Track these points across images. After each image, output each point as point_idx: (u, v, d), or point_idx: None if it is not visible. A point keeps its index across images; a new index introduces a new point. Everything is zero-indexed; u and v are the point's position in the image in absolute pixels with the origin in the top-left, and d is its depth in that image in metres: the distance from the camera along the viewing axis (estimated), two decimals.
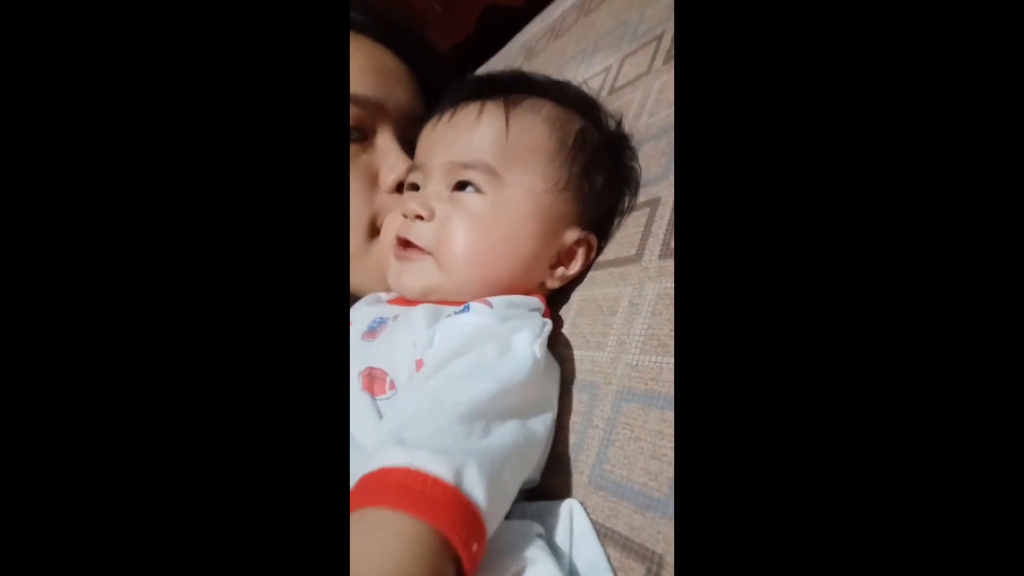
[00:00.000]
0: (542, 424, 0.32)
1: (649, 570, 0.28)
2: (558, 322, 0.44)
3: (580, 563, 0.29)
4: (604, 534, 0.31)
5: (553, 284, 0.43)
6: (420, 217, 0.41)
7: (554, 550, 0.30)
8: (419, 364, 0.33)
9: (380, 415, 0.33)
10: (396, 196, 0.51)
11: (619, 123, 0.49)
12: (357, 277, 0.50)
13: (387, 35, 0.56)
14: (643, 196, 0.44)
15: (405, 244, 0.42)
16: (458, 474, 0.24)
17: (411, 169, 0.46)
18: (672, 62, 0.52)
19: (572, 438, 0.36)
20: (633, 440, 0.32)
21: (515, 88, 0.45)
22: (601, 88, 0.58)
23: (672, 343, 0.34)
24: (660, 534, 0.28)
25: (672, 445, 0.30)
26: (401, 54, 0.57)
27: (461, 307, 0.36)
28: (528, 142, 0.41)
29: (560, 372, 0.39)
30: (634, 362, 0.35)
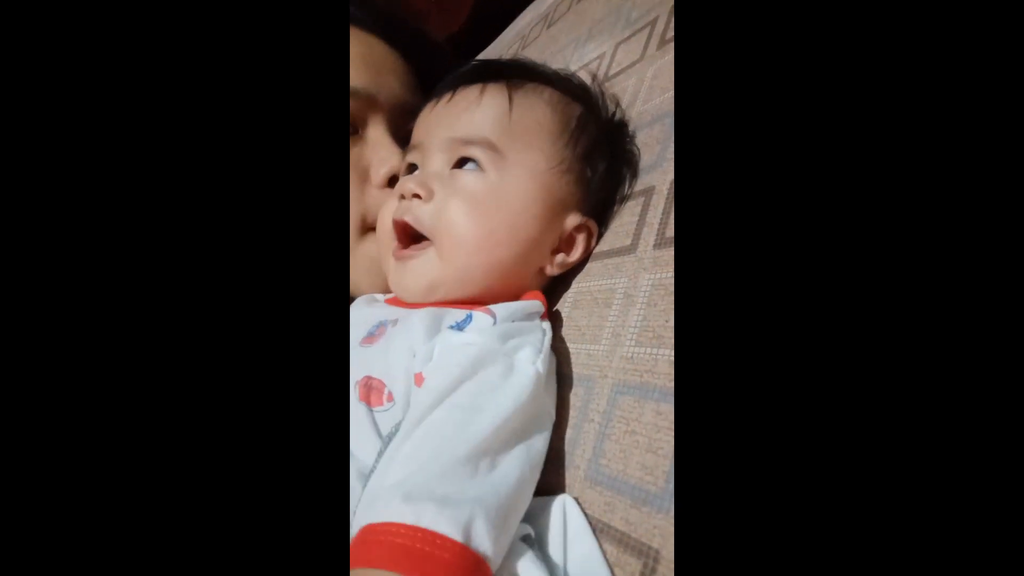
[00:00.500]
0: (543, 440, 0.32)
1: (646, 565, 0.27)
2: (556, 317, 0.43)
3: (574, 560, 0.29)
4: (600, 529, 0.30)
5: (553, 271, 0.42)
6: (418, 197, 0.40)
7: (545, 549, 0.30)
8: (418, 378, 0.32)
9: (377, 428, 0.32)
10: (388, 191, 0.49)
11: (618, 108, 0.48)
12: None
13: (380, 26, 0.55)
14: (638, 185, 0.44)
15: (403, 240, 0.41)
16: (466, 529, 0.24)
17: (408, 150, 0.45)
18: (666, 47, 0.51)
19: (568, 433, 0.36)
20: (629, 434, 0.32)
21: (517, 73, 0.44)
22: (594, 79, 0.57)
23: (668, 334, 0.33)
24: (656, 528, 0.28)
25: (669, 439, 0.30)
26: (395, 45, 0.56)
27: (463, 317, 0.35)
28: (531, 121, 0.41)
29: (556, 368, 0.38)
30: (629, 354, 0.35)
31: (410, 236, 0.41)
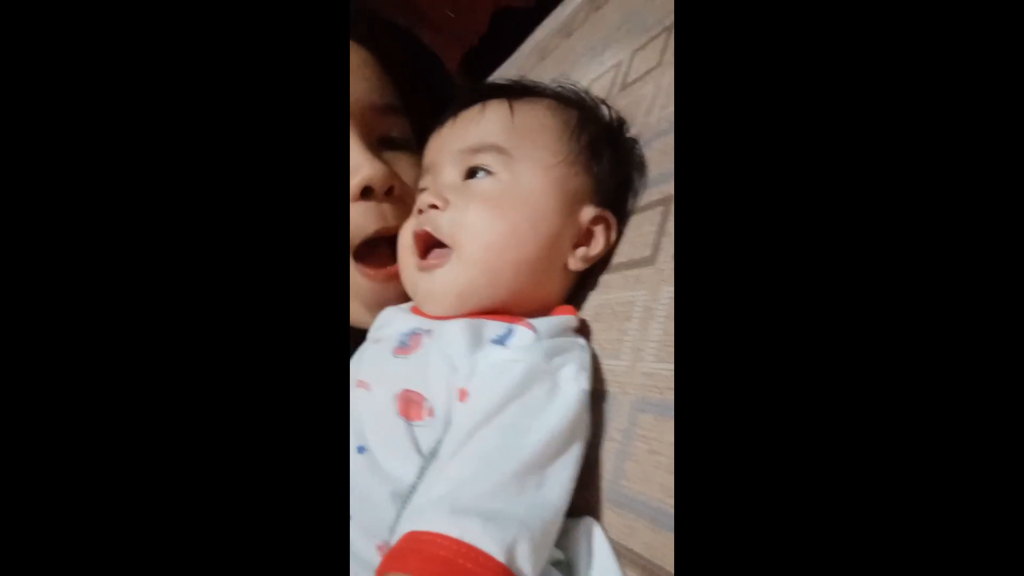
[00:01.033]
0: (582, 450, 0.32)
1: None
2: (585, 330, 0.42)
3: None
4: (621, 554, 0.29)
5: (576, 265, 0.41)
6: (434, 207, 0.40)
7: (573, 573, 0.29)
8: (462, 394, 0.32)
9: (417, 443, 0.32)
10: (362, 204, 0.45)
11: (613, 111, 0.49)
12: None
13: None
14: (656, 194, 0.43)
15: (424, 248, 0.41)
16: (510, 550, 0.24)
17: (421, 177, 0.46)
18: None
19: (589, 452, 0.35)
20: (650, 454, 0.31)
21: (513, 90, 0.46)
22: (613, 84, 0.57)
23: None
24: None
25: None
26: (364, 43, 0.51)
27: (504, 331, 0.35)
28: (534, 123, 0.42)
29: None
30: (649, 370, 0.34)
31: (429, 247, 0.41)
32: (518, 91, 0.45)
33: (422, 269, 0.40)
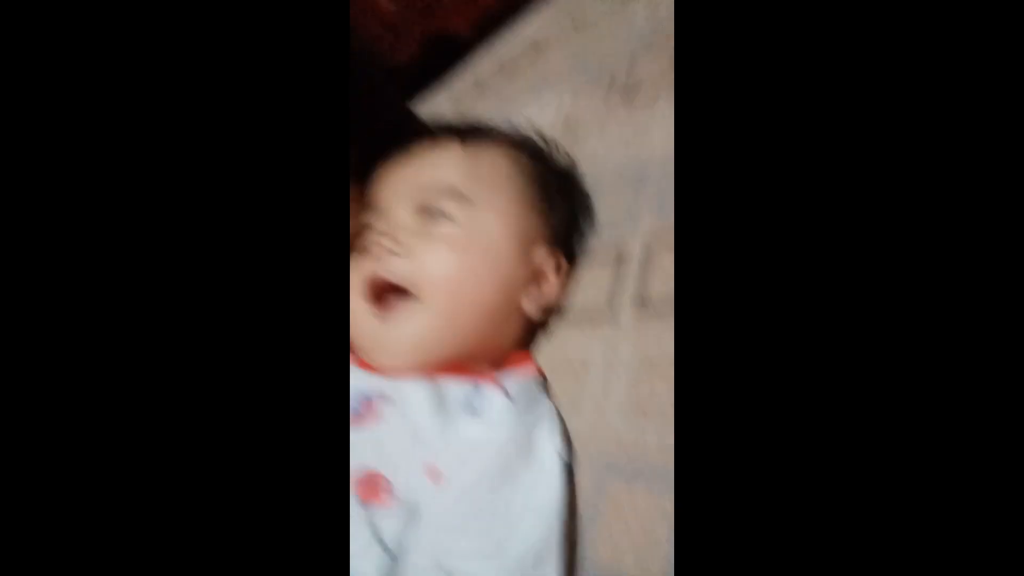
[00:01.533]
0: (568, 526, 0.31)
1: None
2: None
3: None
4: None
5: (530, 308, 0.41)
6: (390, 251, 0.38)
7: None
8: (433, 473, 0.30)
9: (377, 533, 0.29)
10: None
11: (564, 154, 0.49)
12: None
13: None
14: (610, 248, 0.43)
15: (380, 294, 0.39)
16: None
17: (368, 212, 0.43)
18: (630, 101, 0.51)
19: None
20: (621, 522, 0.30)
21: (464, 130, 0.46)
22: (553, 127, 0.57)
23: (656, 411, 0.32)
24: None
25: (665, 527, 0.28)
26: None
27: (470, 389, 0.33)
28: (486, 164, 0.42)
29: None
30: (614, 433, 0.33)
31: (382, 293, 0.39)
32: (472, 132, 0.45)
33: (381, 318, 0.38)
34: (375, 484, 0.30)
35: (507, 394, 0.33)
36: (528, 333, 0.43)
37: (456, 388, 0.34)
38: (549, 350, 0.42)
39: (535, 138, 0.48)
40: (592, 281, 0.42)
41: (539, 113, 0.62)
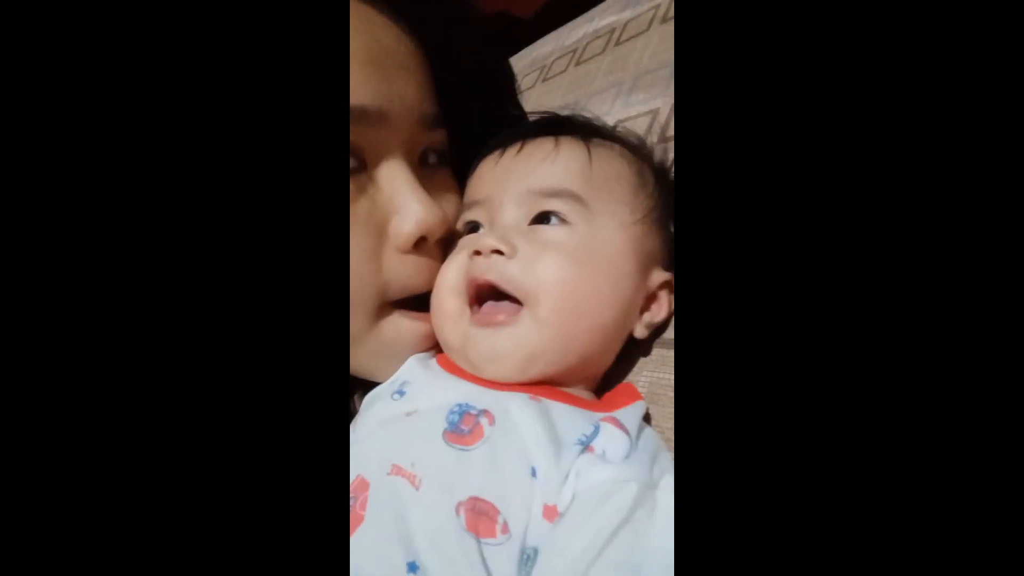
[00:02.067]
0: None
1: None
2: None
3: None
4: None
5: (642, 333, 0.38)
6: (499, 253, 0.34)
7: None
8: (549, 512, 0.27)
9: (485, 565, 0.26)
10: (414, 258, 0.37)
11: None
12: (356, 361, 0.38)
13: None
14: None
15: (478, 298, 0.35)
16: None
17: (468, 207, 0.40)
18: None
19: None
20: None
21: (584, 128, 0.41)
22: (648, 133, 0.54)
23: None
24: None
25: None
26: (410, 22, 0.39)
27: (591, 430, 0.30)
28: (611, 173, 0.38)
29: None
30: None
31: (485, 297, 0.35)
32: (592, 131, 0.41)
33: (483, 324, 0.34)
34: (484, 515, 0.27)
35: (628, 434, 0.30)
36: (625, 353, 0.40)
37: (568, 420, 0.31)
38: (647, 368, 0.39)
39: (647, 143, 0.45)
40: None
41: (624, 112, 0.58)
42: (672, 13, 0.61)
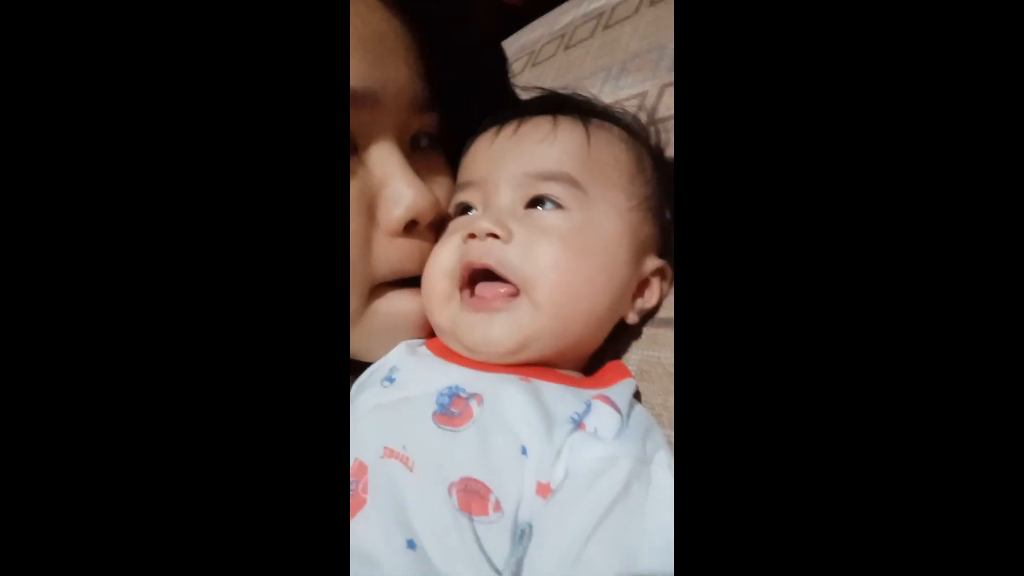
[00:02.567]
0: None
1: None
2: None
3: None
4: None
5: (633, 319, 0.38)
6: (494, 236, 0.34)
7: None
8: (542, 489, 0.27)
9: (479, 542, 0.26)
10: (404, 241, 0.38)
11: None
12: (350, 343, 0.37)
13: None
14: None
15: (471, 282, 0.35)
16: None
17: (461, 188, 0.39)
18: None
19: None
20: None
21: (584, 107, 0.41)
22: (638, 114, 0.54)
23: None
24: None
25: None
26: (401, 5, 0.39)
27: (578, 407, 0.30)
28: (608, 157, 0.38)
29: None
30: None
31: (477, 281, 0.35)
32: (591, 111, 0.40)
33: (477, 309, 0.34)
34: (475, 494, 0.27)
35: (619, 412, 0.30)
36: (614, 335, 0.40)
37: (559, 398, 0.31)
38: (637, 346, 0.40)
39: (647, 127, 0.44)
40: None
41: (614, 95, 0.58)
42: None
